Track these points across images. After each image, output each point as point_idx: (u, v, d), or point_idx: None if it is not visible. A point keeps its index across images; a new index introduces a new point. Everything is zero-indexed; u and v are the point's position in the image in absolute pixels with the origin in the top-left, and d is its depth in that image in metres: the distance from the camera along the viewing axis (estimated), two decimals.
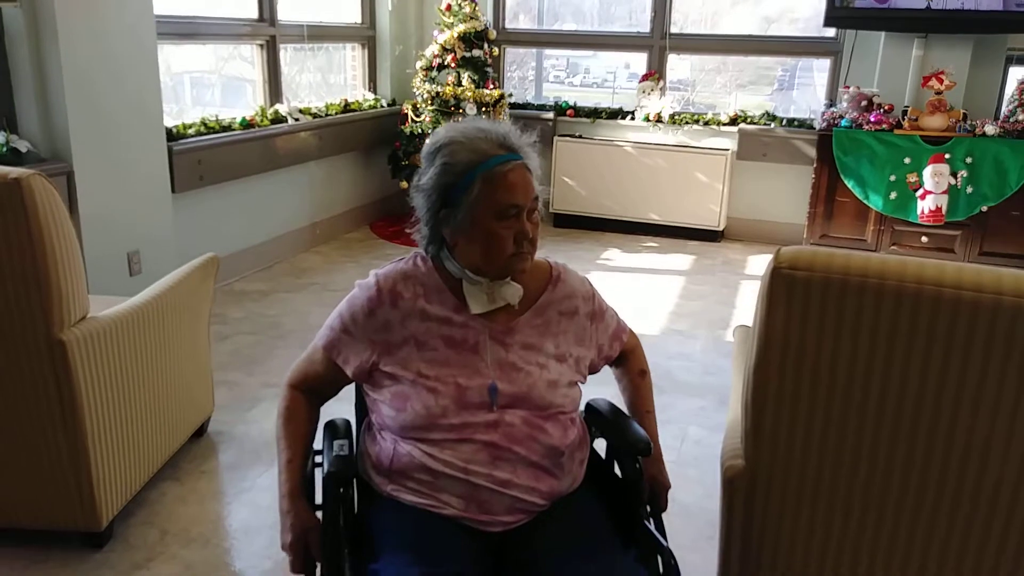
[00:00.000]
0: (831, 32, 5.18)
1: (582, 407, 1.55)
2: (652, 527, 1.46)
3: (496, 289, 1.43)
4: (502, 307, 1.44)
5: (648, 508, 1.51)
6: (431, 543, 1.31)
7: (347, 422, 1.54)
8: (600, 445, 1.60)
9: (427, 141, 1.45)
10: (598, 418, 1.55)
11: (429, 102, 5.07)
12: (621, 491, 1.50)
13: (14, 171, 1.81)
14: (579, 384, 1.51)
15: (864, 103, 4.77)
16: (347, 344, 1.45)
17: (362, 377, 1.46)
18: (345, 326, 1.45)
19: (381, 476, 1.43)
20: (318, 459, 1.52)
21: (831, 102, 5.15)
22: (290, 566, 1.40)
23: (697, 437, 2.86)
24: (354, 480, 1.50)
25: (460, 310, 1.43)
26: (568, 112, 5.65)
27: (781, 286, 1.32)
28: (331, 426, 1.52)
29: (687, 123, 5.40)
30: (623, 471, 1.51)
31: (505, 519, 1.37)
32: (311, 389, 1.53)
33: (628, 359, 1.65)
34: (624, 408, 1.62)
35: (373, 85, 5.70)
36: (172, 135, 3.79)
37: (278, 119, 4.55)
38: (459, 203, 1.36)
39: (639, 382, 1.64)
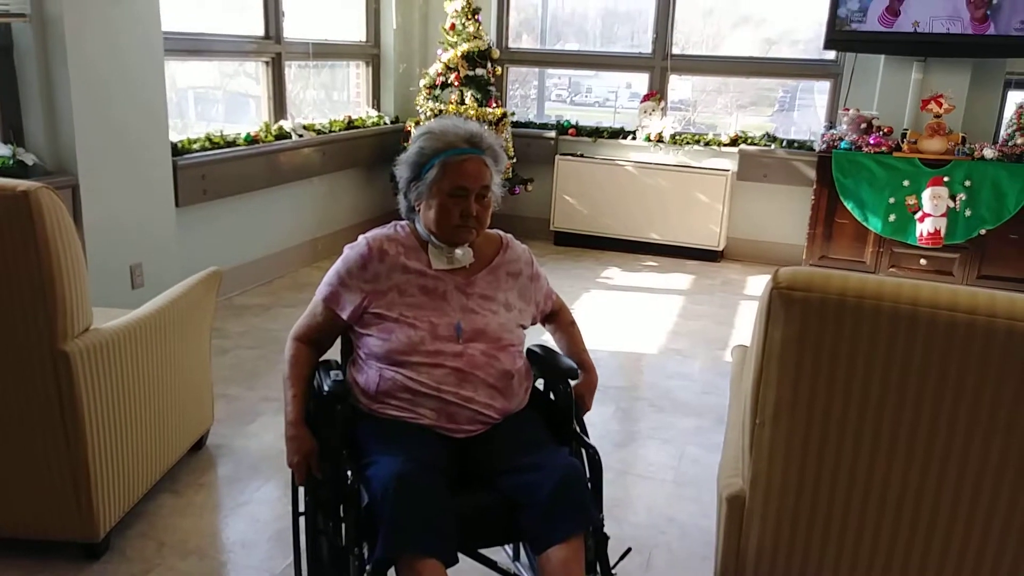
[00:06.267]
0: (831, 55, 5.23)
1: (524, 351, 1.89)
2: (580, 434, 1.82)
3: (453, 252, 1.80)
4: (463, 266, 1.80)
5: (576, 422, 1.84)
6: (412, 442, 1.65)
7: (336, 361, 1.87)
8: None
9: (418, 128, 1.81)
10: (536, 357, 1.91)
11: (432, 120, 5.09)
12: (555, 411, 1.87)
13: (22, 184, 1.83)
14: (522, 328, 1.88)
15: (863, 125, 4.81)
16: (343, 294, 1.80)
17: (355, 319, 1.80)
18: (341, 279, 1.80)
19: (367, 399, 1.76)
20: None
21: (831, 124, 5.19)
22: (295, 478, 1.76)
23: (694, 457, 2.86)
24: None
25: (432, 266, 1.79)
26: (570, 131, 5.69)
27: (779, 306, 1.34)
28: (324, 364, 1.83)
29: (688, 143, 5.44)
30: (556, 395, 1.89)
31: (467, 428, 1.73)
32: (312, 340, 1.86)
33: (559, 315, 2.02)
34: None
35: (376, 102, 5.74)
36: (177, 150, 3.82)
37: (282, 135, 4.58)
38: (424, 178, 1.76)
39: (571, 330, 2.01)
